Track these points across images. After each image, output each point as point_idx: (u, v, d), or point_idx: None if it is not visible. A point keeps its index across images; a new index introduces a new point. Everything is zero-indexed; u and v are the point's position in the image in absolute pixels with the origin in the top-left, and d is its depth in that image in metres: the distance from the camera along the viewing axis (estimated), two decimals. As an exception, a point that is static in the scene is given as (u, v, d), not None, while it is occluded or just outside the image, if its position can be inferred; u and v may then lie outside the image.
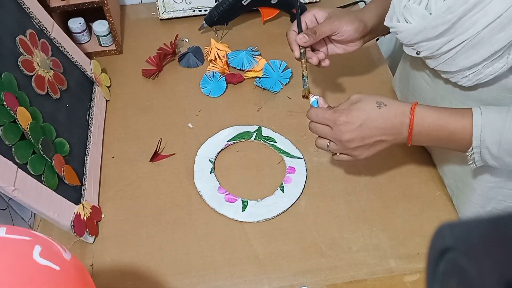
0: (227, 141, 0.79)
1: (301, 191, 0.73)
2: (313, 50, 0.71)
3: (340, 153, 0.63)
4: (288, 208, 0.71)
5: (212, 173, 0.75)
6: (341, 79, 0.90)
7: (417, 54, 0.60)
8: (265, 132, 0.81)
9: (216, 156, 0.78)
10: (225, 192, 0.73)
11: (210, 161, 0.77)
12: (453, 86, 0.62)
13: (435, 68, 0.61)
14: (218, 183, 0.74)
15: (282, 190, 0.73)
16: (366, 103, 0.59)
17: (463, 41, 0.53)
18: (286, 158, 0.77)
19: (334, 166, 0.76)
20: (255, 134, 0.81)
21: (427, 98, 0.69)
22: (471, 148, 0.54)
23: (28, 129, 0.60)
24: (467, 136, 0.54)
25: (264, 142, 0.80)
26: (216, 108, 0.86)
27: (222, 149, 0.79)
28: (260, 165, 0.77)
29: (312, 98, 0.65)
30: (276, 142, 0.80)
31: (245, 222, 0.70)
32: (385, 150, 0.78)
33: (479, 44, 0.52)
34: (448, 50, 0.55)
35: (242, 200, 0.72)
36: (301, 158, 0.77)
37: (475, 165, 0.56)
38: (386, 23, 0.63)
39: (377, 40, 0.98)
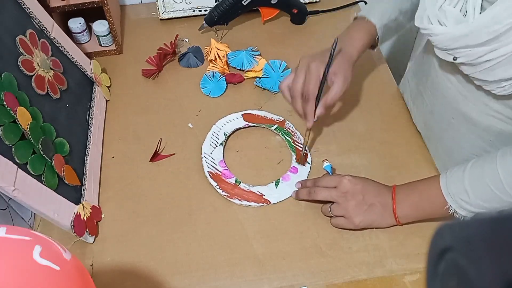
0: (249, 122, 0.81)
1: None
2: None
3: (337, 215, 0.67)
4: (274, 203, 0.72)
5: (221, 146, 0.78)
6: (341, 79, 0.90)
7: (454, 60, 0.58)
8: (288, 125, 0.82)
9: (232, 132, 0.80)
10: (225, 167, 0.75)
11: (225, 134, 0.79)
12: (478, 88, 0.61)
13: (470, 75, 0.59)
14: (222, 157, 0.76)
15: (276, 185, 0.74)
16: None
17: (507, 53, 0.51)
18: (293, 158, 0.78)
19: (334, 167, 0.76)
20: (276, 125, 0.82)
21: (448, 97, 0.68)
22: (448, 204, 0.60)
23: (28, 129, 0.60)
24: (439, 191, 0.61)
25: (282, 136, 0.80)
26: (216, 108, 0.86)
27: (240, 128, 0.81)
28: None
29: (326, 163, 0.72)
30: (290, 140, 0.80)
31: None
32: (385, 149, 0.79)
33: None
34: (488, 60, 0.53)
35: (236, 179, 0.74)
36: (308, 163, 0.77)
37: (463, 216, 0.59)
38: (416, 24, 0.62)
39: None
